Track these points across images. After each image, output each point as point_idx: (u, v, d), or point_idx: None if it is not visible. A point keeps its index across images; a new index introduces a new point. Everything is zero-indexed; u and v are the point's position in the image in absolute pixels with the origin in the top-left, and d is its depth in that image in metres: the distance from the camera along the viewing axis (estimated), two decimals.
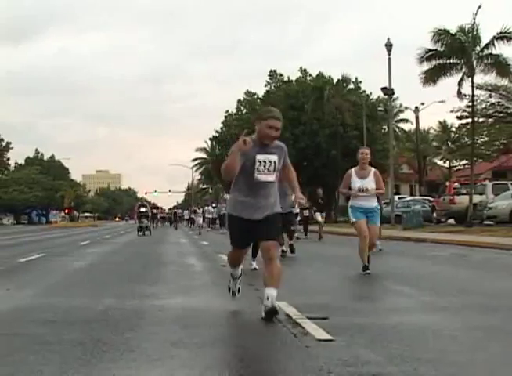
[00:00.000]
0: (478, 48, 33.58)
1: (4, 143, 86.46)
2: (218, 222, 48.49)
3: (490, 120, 46.64)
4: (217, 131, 68.90)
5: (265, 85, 65.51)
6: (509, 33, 32.53)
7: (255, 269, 12.55)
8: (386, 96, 44.20)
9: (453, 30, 33.69)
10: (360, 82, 61.00)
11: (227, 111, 68.08)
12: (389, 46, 39.83)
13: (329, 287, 10.33)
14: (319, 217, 28.38)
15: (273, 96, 61.76)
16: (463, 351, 5.32)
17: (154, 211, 52.74)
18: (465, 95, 35.90)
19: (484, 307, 7.80)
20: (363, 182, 11.92)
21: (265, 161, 6.90)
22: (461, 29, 33.73)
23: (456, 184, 44.14)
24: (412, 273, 12.47)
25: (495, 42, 32.92)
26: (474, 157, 39.75)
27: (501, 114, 44.48)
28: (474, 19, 33.07)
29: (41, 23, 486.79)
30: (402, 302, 8.33)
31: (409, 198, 49.53)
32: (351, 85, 60.56)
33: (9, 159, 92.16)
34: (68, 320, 6.86)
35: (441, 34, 33.36)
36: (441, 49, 33.82)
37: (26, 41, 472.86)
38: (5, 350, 5.40)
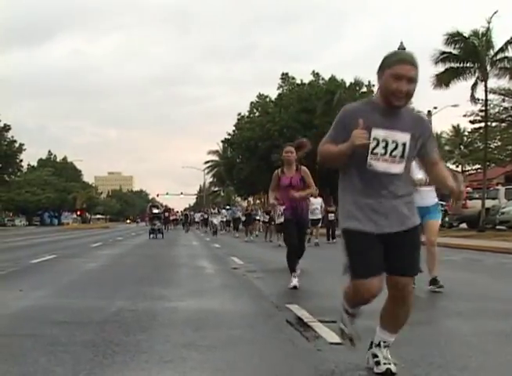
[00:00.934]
0: (492, 52, 33.49)
1: (17, 145, 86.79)
2: (231, 225, 45.85)
3: (503, 124, 46.50)
4: (229, 134, 68.84)
5: (278, 88, 65.53)
6: None
7: (295, 287, 9.94)
8: None
9: (466, 34, 33.62)
10: (373, 86, 60.88)
11: (239, 114, 68.13)
12: (402, 49, 39.74)
13: (340, 290, 10.29)
14: None
15: (286, 99, 61.74)
16: (476, 356, 5.30)
17: (166, 213, 52.16)
18: (478, 100, 35.82)
19: (497, 312, 7.77)
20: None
21: (386, 141, 4.37)
22: (475, 33, 33.66)
23: (469, 188, 44.01)
24: (424, 278, 12.42)
25: (509, 46, 32.83)
26: (486, 162, 39.66)
27: None
28: (489, 23, 32.99)
29: (54, 25, 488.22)
30: (415, 306, 8.30)
31: None
32: (364, 89, 60.47)
33: (21, 161, 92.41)
34: (80, 321, 6.89)
35: (454, 37, 33.28)
36: (455, 52, 33.75)
37: (39, 43, 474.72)
38: (17, 350, 5.42)
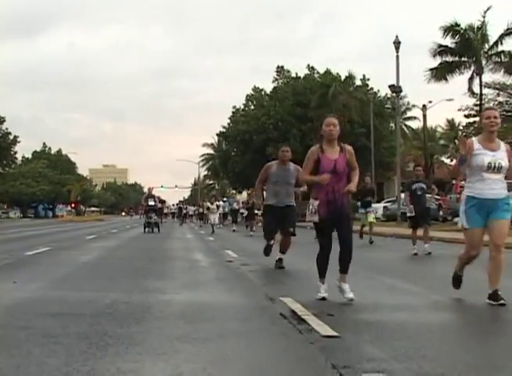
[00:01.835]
0: (487, 46, 33.52)
1: (11, 137, 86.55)
2: (228, 218, 44.65)
3: None
4: (224, 127, 68.77)
5: (273, 81, 65.45)
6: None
7: (324, 298, 8.02)
8: (394, 94, 44.11)
9: (462, 28, 33.64)
10: (368, 80, 60.94)
11: (234, 107, 68.01)
12: (397, 44, 39.72)
13: (335, 284, 10.30)
14: (370, 216, 22.37)
15: (281, 93, 61.68)
16: (469, 349, 5.32)
17: (159, 205, 49.98)
18: (474, 94, 35.84)
19: (489, 306, 7.78)
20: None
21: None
22: (470, 27, 33.68)
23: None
24: (418, 271, 12.46)
25: (503, 39, 32.88)
26: None
27: (509, 113, 44.28)
28: (484, 17, 33.03)
29: (51, 18, 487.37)
30: (409, 300, 8.33)
31: None
32: (359, 82, 60.48)
33: (16, 153, 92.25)
34: (74, 313, 6.88)
35: (451, 28, 33.27)
36: (452, 46, 33.78)
37: (35, 35, 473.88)
38: (11, 342, 5.42)
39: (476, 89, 35.03)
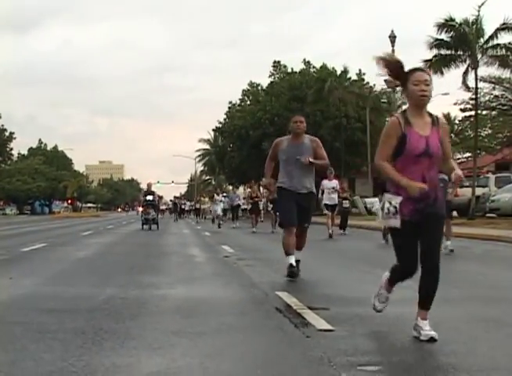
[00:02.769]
0: (482, 40, 33.54)
1: (7, 133, 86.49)
2: (228, 214, 40.67)
3: (493, 112, 46.56)
4: (220, 123, 68.79)
5: (269, 76, 65.43)
6: (509, 23, 32.51)
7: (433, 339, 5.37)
8: (389, 88, 44.12)
9: (457, 22, 33.66)
10: (364, 74, 60.95)
11: (230, 102, 68.03)
12: (393, 38, 39.78)
13: (330, 278, 10.34)
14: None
15: (277, 87, 61.67)
16: (464, 341, 5.33)
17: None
18: (469, 88, 35.86)
19: (485, 299, 7.81)
20: None
21: None
22: (465, 21, 33.69)
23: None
24: None
25: (499, 34, 32.90)
26: (477, 150, 39.74)
27: (505, 107, 44.35)
28: (479, 11, 33.05)
29: (45, 13, 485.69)
30: (404, 294, 8.30)
31: None
32: (355, 77, 60.48)
33: (12, 149, 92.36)
34: (70, 309, 6.89)
35: (447, 22, 33.28)
36: (447, 39, 33.81)
37: (30, 31, 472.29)
38: (7, 338, 5.43)
39: (471, 83, 35.05)
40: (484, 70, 36.22)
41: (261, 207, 32.02)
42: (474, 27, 33.47)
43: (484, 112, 45.47)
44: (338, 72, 59.86)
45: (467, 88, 35.76)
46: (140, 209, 40.94)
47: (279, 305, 7.12)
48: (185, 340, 5.37)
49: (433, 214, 5.43)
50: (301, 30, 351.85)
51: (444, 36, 33.91)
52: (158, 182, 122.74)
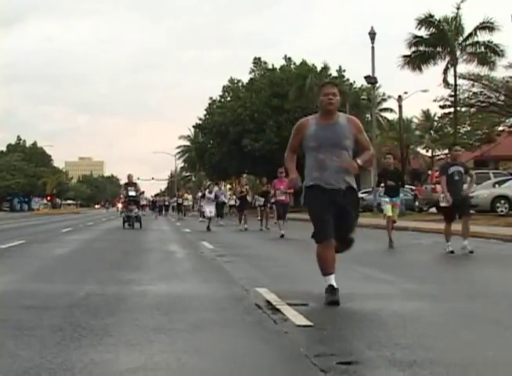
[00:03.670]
0: (461, 37, 33.73)
1: None
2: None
3: (472, 109, 46.81)
4: (200, 119, 68.60)
5: (250, 72, 65.36)
6: (491, 23, 32.72)
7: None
8: (369, 85, 44.26)
9: (437, 20, 33.83)
10: (344, 71, 61.04)
11: (211, 98, 67.87)
12: (373, 34, 39.82)
13: (310, 274, 10.34)
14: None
15: (257, 84, 61.63)
16: (442, 337, 5.36)
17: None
18: (449, 85, 36.05)
19: (464, 295, 7.86)
20: None
21: None
22: (445, 19, 33.86)
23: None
24: (393, 261, 12.53)
25: (478, 32, 33.12)
26: None
27: (483, 104, 44.59)
28: (458, 8, 33.22)
29: (26, 10, 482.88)
30: (383, 289, 8.37)
31: None
32: (335, 74, 60.55)
33: None
34: (48, 306, 6.85)
35: (426, 19, 33.44)
36: (426, 37, 33.99)
37: (10, 27, 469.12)
38: None
39: (451, 80, 35.23)
40: (463, 68, 36.45)
41: (257, 202, 28.55)
42: (454, 24, 33.64)
43: (463, 109, 45.68)
44: (319, 69, 59.92)
45: (448, 85, 35.96)
46: (120, 205, 39.36)
47: (259, 301, 7.12)
48: (164, 336, 5.36)
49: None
50: (282, 27, 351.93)
51: (423, 32, 34.11)
52: (138, 178, 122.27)
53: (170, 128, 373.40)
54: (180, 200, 50.34)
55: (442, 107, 49.01)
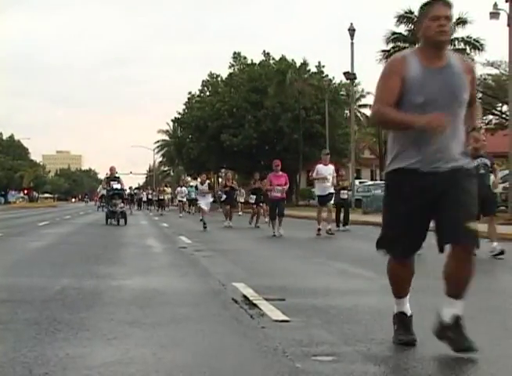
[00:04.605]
0: None
1: None
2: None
3: None
4: (179, 113, 68.47)
5: (229, 67, 65.26)
6: (464, 18, 33.01)
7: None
8: (348, 81, 44.37)
9: (416, 16, 34.05)
10: (323, 66, 61.11)
11: (190, 93, 67.73)
12: (352, 31, 39.93)
13: (287, 269, 10.37)
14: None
15: (236, 79, 61.58)
16: (417, 332, 5.37)
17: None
18: None
19: (440, 289, 7.88)
20: None
21: None
22: None
23: None
24: (369, 257, 12.54)
25: (456, 29, 33.33)
26: None
27: None
28: None
29: (2, 2, 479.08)
30: (360, 285, 8.40)
31: (369, 183, 49.75)
32: (314, 69, 60.62)
33: None
34: (24, 300, 6.80)
35: (406, 14, 33.59)
36: (405, 33, 34.13)
37: None
38: None
39: None
40: None
41: (241, 199, 27.10)
42: None
43: None
44: (298, 64, 59.96)
45: None
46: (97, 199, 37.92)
47: (236, 295, 7.12)
48: (140, 330, 5.35)
49: None
50: (262, 21, 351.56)
51: (403, 29, 34.24)
52: (116, 172, 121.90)
53: (148, 122, 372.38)
54: (162, 196, 48.53)
55: None
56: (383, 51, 34.42)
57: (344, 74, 42.07)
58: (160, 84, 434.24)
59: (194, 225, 24.96)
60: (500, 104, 43.02)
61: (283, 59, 60.87)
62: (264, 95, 56.35)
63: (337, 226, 20.71)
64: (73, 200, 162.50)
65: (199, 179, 27.77)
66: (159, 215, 40.10)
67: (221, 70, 66.41)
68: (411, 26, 33.68)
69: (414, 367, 4.32)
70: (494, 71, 41.18)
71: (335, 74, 60.39)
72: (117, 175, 26.43)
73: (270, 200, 19.36)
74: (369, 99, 64.68)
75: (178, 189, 42.37)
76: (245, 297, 7.00)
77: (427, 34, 4.62)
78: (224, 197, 25.75)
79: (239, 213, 25.01)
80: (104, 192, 29.12)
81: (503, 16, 26.55)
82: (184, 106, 67.75)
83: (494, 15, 28.21)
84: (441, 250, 4.83)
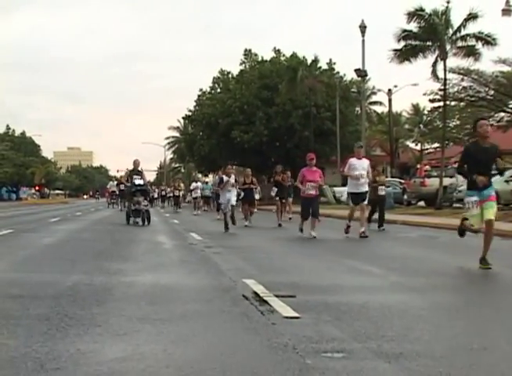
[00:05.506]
0: (451, 31, 33.73)
1: None
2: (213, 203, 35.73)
3: (462, 103, 46.84)
4: (190, 111, 68.44)
5: (240, 64, 65.20)
6: (475, 13, 32.79)
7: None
8: (359, 78, 44.26)
9: (427, 13, 33.82)
10: (334, 63, 60.99)
11: (201, 89, 67.73)
12: (363, 28, 39.81)
13: (298, 266, 10.36)
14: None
15: (247, 76, 61.52)
16: (428, 329, 5.38)
17: (122, 186, 34.68)
18: (438, 78, 36.07)
19: (450, 287, 7.90)
20: None
21: None
22: (435, 12, 33.85)
23: (427, 167, 44.52)
24: (381, 254, 12.55)
25: (466, 24, 33.13)
26: (445, 140, 40.10)
27: (473, 98, 44.64)
28: (448, 2, 33.25)
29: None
30: (370, 282, 8.39)
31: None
32: (326, 66, 60.51)
33: None
34: (36, 295, 6.83)
35: (417, 12, 33.42)
36: (416, 31, 33.97)
37: None
38: None
39: (440, 74, 35.23)
40: (453, 61, 36.48)
41: (256, 196, 24.82)
42: (444, 17, 33.64)
43: (452, 103, 45.75)
44: (309, 61, 59.86)
45: (437, 79, 35.96)
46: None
47: (246, 292, 7.13)
48: (150, 326, 5.36)
49: None
50: (273, 18, 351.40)
51: (413, 26, 34.05)
52: (127, 169, 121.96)
53: (159, 118, 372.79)
54: (177, 192, 46.08)
55: (432, 101, 49.02)
56: (394, 50, 34.23)
57: (355, 70, 41.96)
58: (172, 80, 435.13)
59: (205, 222, 24.96)
60: None
61: (293, 56, 60.78)
62: (275, 92, 56.26)
63: (368, 223, 18.63)
64: (85, 196, 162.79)
65: (220, 173, 26.42)
66: (174, 213, 38.51)
67: (232, 67, 66.48)
68: (422, 23, 33.52)
69: (425, 365, 4.31)
70: (506, 68, 40.99)
71: (346, 70, 60.22)
72: (139, 169, 23.23)
73: (302, 198, 17.03)
74: (380, 97, 64.74)
75: (194, 184, 40.27)
76: (255, 293, 7.01)
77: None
78: (242, 194, 23.32)
79: (255, 210, 24.03)
80: (115, 188, 28.38)
81: None
82: (195, 103, 67.75)
83: (506, 12, 28.08)
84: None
